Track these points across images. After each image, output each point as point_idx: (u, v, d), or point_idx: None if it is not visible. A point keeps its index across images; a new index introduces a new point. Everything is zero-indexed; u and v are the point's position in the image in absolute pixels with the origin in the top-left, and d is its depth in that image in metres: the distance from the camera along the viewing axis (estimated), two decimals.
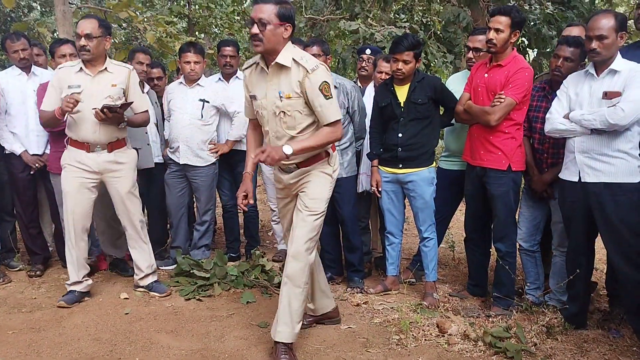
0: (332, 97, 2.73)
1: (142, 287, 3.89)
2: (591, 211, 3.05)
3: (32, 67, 4.34)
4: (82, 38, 3.51)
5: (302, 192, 2.91)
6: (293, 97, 2.73)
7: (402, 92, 3.70)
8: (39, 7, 15.49)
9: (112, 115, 3.46)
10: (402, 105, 3.68)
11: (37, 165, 4.22)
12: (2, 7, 12.95)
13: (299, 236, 2.84)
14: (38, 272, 4.31)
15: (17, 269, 4.45)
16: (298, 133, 2.80)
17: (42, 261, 4.44)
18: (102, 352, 2.99)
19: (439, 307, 3.62)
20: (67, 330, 3.27)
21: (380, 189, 3.84)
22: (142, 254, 3.87)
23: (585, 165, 3.03)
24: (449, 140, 4.08)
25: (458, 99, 3.68)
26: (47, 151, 4.26)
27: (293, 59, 2.71)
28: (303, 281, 2.85)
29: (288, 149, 2.66)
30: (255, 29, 2.64)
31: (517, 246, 3.68)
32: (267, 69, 2.76)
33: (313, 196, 2.87)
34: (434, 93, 3.67)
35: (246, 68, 2.94)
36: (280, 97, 2.75)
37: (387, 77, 4.06)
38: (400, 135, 3.69)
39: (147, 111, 3.84)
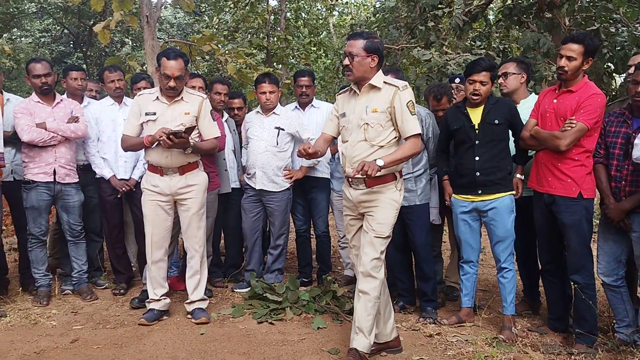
0: (415, 114, 3.07)
1: (187, 310, 3.96)
2: None
3: (123, 98, 4.67)
4: (172, 80, 3.68)
5: (370, 215, 3.09)
6: (379, 111, 3.07)
7: (476, 115, 3.66)
8: (130, 43, 16.66)
9: (178, 140, 3.58)
10: (476, 127, 3.63)
11: (124, 189, 4.50)
12: (98, 42, 14.01)
13: (367, 255, 3.05)
14: (122, 291, 4.55)
15: (103, 287, 4.72)
16: (376, 144, 3.08)
17: (125, 280, 4.69)
18: None
19: (516, 341, 3.46)
20: (146, 348, 3.41)
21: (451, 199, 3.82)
22: (194, 281, 3.94)
23: None
24: None
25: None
26: (134, 176, 4.54)
27: (384, 81, 3.11)
28: (375, 295, 3.04)
29: (380, 162, 2.94)
30: (346, 61, 3.09)
31: (600, 281, 3.47)
32: (359, 91, 3.14)
33: (380, 221, 3.06)
34: (509, 115, 3.62)
35: (341, 93, 3.35)
36: (367, 111, 3.08)
37: None
38: (477, 158, 3.62)
39: (216, 139, 3.96)
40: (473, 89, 3.62)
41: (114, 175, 4.52)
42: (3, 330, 3.70)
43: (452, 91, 4.32)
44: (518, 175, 3.70)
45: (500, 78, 3.98)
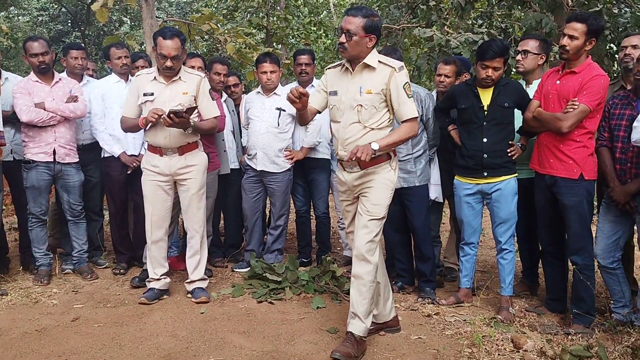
0: (411, 97, 2.98)
1: (187, 290, 3.99)
2: None
3: (129, 75, 4.63)
4: (169, 60, 3.64)
5: (364, 196, 3.04)
6: (373, 92, 2.96)
7: (486, 95, 3.61)
8: (128, 22, 16.52)
9: (178, 120, 3.55)
10: (485, 108, 3.60)
11: (134, 164, 4.49)
12: (96, 21, 13.88)
13: (361, 237, 2.98)
14: (122, 270, 4.57)
15: (104, 266, 4.75)
16: (368, 126, 2.99)
17: (126, 260, 4.70)
18: (179, 349, 3.12)
19: (514, 321, 3.49)
20: (147, 326, 3.44)
21: None
22: (194, 261, 3.96)
23: None
24: None
25: None
26: (143, 152, 4.52)
27: (379, 61, 2.98)
28: (369, 279, 2.99)
29: (375, 145, 2.87)
30: (342, 38, 2.93)
31: (596, 262, 3.49)
32: (352, 69, 3.01)
33: (375, 201, 3.00)
34: (518, 97, 3.59)
35: (330, 68, 3.20)
36: (361, 92, 2.96)
37: (447, 79, 4.03)
38: (485, 140, 3.60)
39: (215, 118, 3.94)
40: (485, 74, 3.54)
41: (124, 152, 4.50)
42: (4, 309, 3.73)
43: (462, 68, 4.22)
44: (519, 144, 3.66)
45: (519, 55, 3.81)
